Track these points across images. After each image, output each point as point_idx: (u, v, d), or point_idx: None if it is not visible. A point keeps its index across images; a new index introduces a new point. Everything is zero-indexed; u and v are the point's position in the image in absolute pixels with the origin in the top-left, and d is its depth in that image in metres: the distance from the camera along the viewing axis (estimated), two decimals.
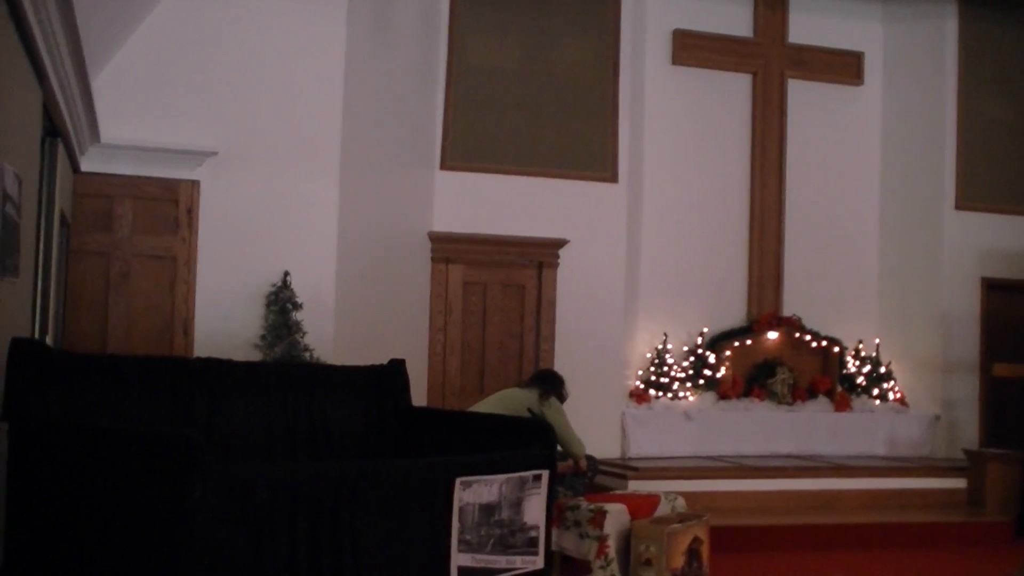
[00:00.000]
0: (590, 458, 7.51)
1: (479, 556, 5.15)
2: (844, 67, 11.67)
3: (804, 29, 11.52)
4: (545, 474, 5.52)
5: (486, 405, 7.21)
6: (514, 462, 5.39)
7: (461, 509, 5.05)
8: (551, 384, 7.41)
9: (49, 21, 5.11)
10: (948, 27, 11.42)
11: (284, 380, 6.11)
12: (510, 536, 5.32)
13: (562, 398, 7.38)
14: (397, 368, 6.54)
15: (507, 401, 7.19)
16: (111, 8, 7.17)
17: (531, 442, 5.63)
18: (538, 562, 5.48)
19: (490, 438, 5.76)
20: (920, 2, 11.52)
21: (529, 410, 7.02)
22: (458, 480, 5.03)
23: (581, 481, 7.36)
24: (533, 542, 5.44)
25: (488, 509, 5.18)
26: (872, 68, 11.76)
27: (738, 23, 11.37)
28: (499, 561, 5.26)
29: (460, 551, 5.06)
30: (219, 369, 5.85)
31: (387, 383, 6.47)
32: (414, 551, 4.87)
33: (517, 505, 5.34)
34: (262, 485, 4.31)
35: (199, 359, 6.01)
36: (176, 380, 5.63)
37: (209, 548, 4.11)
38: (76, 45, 5.65)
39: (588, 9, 10.53)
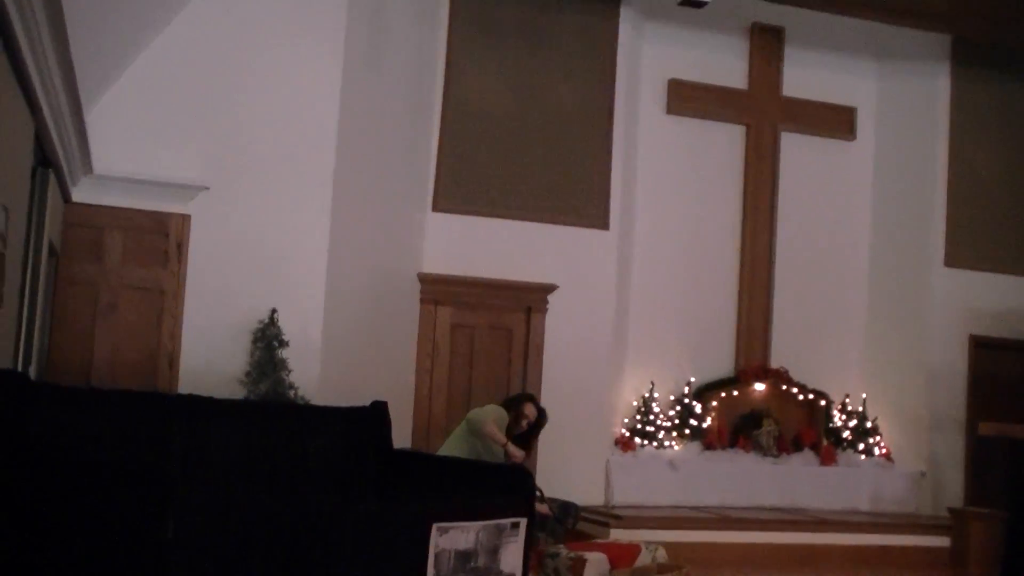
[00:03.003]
0: (570, 504, 7.49)
1: None
2: (837, 122, 11.74)
3: (798, 83, 11.59)
4: (523, 522, 5.49)
5: (447, 446, 7.32)
6: (492, 508, 5.36)
7: (437, 555, 5.01)
8: (508, 402, 7.53)
9: (43, 52, 5.13)
10: (940, 85, 11.51)
11: (265, 418, 6.09)
12: None
13: (522, 416, 7.43)
14: (379, 410, 6.52)
15: (457, 434, 7.29)
16: (106, 40, 7.19)
17: (510, 489, 5.61)
18: None
19: (470, 483, 5.74)
20: (913, 60, 11.63)
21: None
22: (435, 525, 5.00)
23: (561, 527, 7.33)
24: None
25: (464, 556, 5.14)
26: (865, 124, 11.82)
27: (733, 75, 11.44)
28: None
29: None
30: (200, 406, 5.83)
31: (369, 425, 6.44)
32: None
33: (494, 552, 5.30)
34: (237, 518, 4.28)
35: (180, 396, 5.99)
36: (157, 415, 5.60)
37: None
38: (70, 76, 5.67)
39: (584, 55, 10.60)
